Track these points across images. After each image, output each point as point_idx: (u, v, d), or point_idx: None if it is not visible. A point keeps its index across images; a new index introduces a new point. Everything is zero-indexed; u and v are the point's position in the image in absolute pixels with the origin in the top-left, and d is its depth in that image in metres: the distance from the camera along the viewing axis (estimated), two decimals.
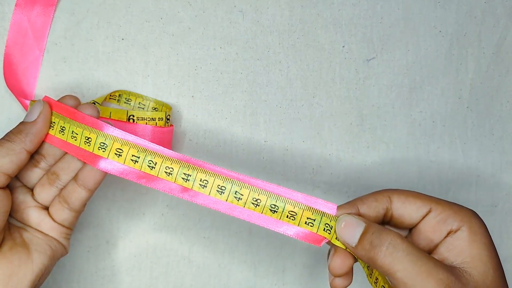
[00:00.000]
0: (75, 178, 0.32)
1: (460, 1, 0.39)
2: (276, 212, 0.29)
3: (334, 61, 0.39)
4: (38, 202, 0.32)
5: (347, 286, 0.30)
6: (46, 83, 0.37)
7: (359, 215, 0.29)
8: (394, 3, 0.39)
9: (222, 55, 0.38)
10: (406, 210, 0.29)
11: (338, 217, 0.29)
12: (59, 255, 0.32)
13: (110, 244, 0.38)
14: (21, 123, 0.31)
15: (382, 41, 0.39)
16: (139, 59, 0.37)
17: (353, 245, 0.28)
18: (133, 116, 0.36)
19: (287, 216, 0.29)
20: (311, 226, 0.29)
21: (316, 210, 0.29)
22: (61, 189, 0.32)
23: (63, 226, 0.32)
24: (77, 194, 0.32)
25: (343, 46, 0.39)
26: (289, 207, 0.29)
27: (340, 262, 0.29)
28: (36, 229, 0.32)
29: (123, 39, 0.37)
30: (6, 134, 0.30)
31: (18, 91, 0.36)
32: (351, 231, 0.28)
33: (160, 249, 0.38)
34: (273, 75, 0.38)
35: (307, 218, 0.29)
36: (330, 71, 0.39)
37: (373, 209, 0.29)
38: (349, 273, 0.30)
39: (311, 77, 0.39)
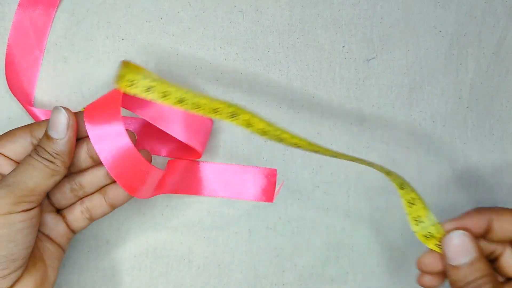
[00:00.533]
0: (103, 194, 0.32)
1: (460, 1, 0.39)
2: None
3: (334, 61, 0.39)
4: (53, 206, 0.32)
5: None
6: (46, 83, 0.37)
7: (487, 228, 0.27)
8: (394, 3, 0.39)
9: (222, 55, 0.38)
10: None
11: (449, 229, 0.28)
12: (59, 265, 0.32)
13: (110, 244, 0.38)
14: (52, 140, 0.29)
15: (382, 41, 0.39)
16: (139, 59, 0.37)
17: (450, 263, 0.26)
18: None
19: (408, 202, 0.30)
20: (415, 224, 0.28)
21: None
22: (82, 198, 0.32)
23: (74, 232, 0.33)
24: (103, 209, 0.32)
25: (343, 46, 0.39)
26: None
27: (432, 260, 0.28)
28: (47, 236, 0.32)
29: (123, 39, 0.37)
30: (42, 152, 0.29)
31: (19, 92, 0.36)
32: (458, 253, 0.27)
33: (160, 249, 0.38)
34: (273, 75, 0.38)
35: (417, 215, 0.28)
36: (330, 71, 0.39)
37: (504, 233, 0.27)
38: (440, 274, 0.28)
39: (311, 77, 0.39)
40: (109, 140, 0.30)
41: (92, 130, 0.29)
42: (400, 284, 0.39)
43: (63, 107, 0.30)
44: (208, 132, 0.36)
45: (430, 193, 0.40)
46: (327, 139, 0.39)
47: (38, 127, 0.31)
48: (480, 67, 0.40)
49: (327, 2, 0.38)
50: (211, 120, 0.36)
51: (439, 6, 0.39)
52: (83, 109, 0.35)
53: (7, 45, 0.36)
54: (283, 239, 0.39)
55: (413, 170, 0.40)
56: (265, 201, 0.38)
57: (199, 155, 0.36)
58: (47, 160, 0.29)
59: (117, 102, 0.30)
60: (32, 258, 0.30)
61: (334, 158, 0.39)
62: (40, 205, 0.29)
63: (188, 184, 0.37)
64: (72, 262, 0.38)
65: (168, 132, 0.33)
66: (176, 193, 0.37)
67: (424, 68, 0.39)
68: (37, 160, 0.28)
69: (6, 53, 0.36)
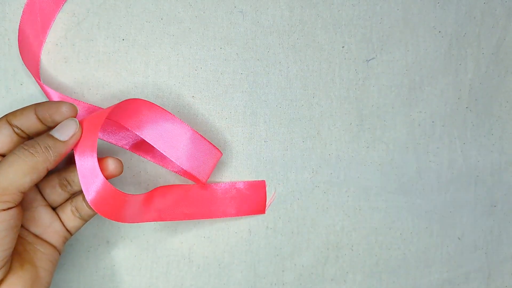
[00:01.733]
0: (82, 196, 0.32)
1: (459, 1, 0.40)
2: None
3: (334, 61, 0.39)
4: (47, 202, 0.32)
5: None
6: (47, 83, 0.37)
7: None
8: (393, 4, 0.39)
9: (222, 56, 0.38)
10: None
11: None
12: (55, 268, 0.32)
13: (110, 244, 0.38)
14: (51, 137, 0.29)
15: (382, 41, 0.39)
16: (139, 59, 0.37)
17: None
18: None
19: None
20: None
21: None
22: (73, 195, 0.33)
23: (71, 233, 0.33)
24: (86, 211, 0.32)
25: (343, 47, 0.39)
26: None
27: None
28: (39, 238, 0.31)
29: (123, 40, 0.37)
30: (31, 143, 0.28)
31: (31, 63, 0.35)
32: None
33: (160, 249, 0.38)
34: (273, 75, 0.39)
35: None
36: (330, 71, 0.39)
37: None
38: None
39: (310, 77, 0.39)
40: (86, 174, 0.29)
41: (78, 161, 0.29)
42: (400, 284, 0.40)
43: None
44: (215, 162, 0.36)
45: (430, 193, 0.40)
46: (327, 139, 0.39)
47: (41, 106, 0.30)
48: (479, 68, 0.40)
49: (327, 2, 0.39)
50: (220, 153, 0.36)
51: (438, 7, 0.39)
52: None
53: (20, 22, 0.34)
54: (283, 239, 0.39)
55: (413, 170, 0.40)
56: (257, 213, 0.38)
57: (202, 182, 0.36)
58: (30, 153, 0.28)
59: (95, 131, 0.30)
60: (19, 260, 0.29)
61: (334, 158, 0.39)
62: (18, 205, 0.28)
63: (182, 210, 0.36)
64: (72, 262, 0.38)
65: (171, 158, 0.33)
66: (172, 220, 0.36)
67: (424, 68, 0.40)
68: (16, 154, 0.28)
69: (19, 30, 0.35)
